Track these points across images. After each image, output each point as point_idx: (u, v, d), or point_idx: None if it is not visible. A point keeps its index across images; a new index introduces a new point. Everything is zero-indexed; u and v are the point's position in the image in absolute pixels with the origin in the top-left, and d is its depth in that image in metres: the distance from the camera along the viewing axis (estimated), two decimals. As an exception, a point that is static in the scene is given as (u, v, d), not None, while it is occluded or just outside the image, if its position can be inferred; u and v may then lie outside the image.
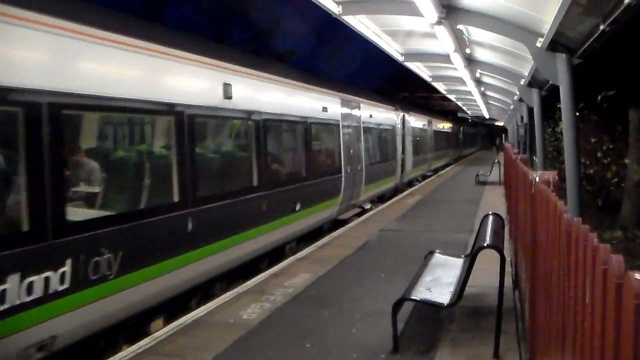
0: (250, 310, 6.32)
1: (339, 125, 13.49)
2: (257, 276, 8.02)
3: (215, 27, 46.79)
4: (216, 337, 5.53)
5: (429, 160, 28.82)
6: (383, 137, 18.77)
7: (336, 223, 13.30)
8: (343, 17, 8.29)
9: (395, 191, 20.27)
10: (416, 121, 25.22)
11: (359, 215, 14.71)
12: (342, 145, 13.55)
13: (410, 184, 23.39)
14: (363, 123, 15.70)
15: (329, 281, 7.56)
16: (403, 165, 21.28)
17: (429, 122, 29.55)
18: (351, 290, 6.99)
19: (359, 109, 15.44)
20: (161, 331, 5.80)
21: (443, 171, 31.06)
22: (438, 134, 33.08)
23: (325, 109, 12.42)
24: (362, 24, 9.44)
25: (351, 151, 14.20)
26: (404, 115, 21.85)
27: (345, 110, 14.06)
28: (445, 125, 37.48)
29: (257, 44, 48.02)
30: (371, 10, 8.62)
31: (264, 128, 9.13)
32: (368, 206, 16.42)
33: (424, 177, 27.07)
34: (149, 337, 5.61)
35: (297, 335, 5.53)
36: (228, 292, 7.21)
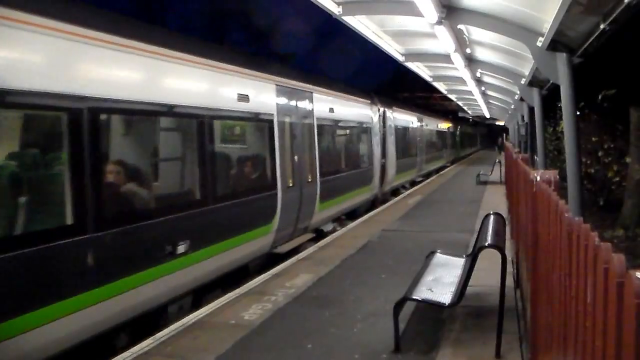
0: (251, 311, 6.32)
1: (271, 121, 9.48)
2: (258, 277, 8.02)
3: (216, 28, 46.85)
4: (217, 338, 5.53)
5: (419, 164, 25.14)
6: (352, 138, 15.15)
7: (272, 258, 9.66)
8: (343, 17, 8.29)
9: (374, 204, 16.80)
10: (402, 118, 21.64)
11: (314, 240, 11.46)
12: (277, 149, 9.56)
13: (395, 192, 20.24)
14: (318, 119, 11.84)
15: (331, 281, 7.56)
16: (384, 171, 17.73)
17: (419, 120, 26.19)
18: (352, 291, 6.99)
19: (311, 100, 11.57)
20: (162, 332, 5.80)
21: (437, 175, 28.50)
22: (430, 133, 29.69)
23: (244, 98, 8.51)
24: (362, 24, 9.44)
25: (295, 158, 10.40)
26: (384, 111, 18.27)
27: (285, 100, 10.17)
28: (439, 124, 34.09)
29: (257, 44, 48.08)
30: (371, 11, 8.62)
31: (93, 123, 5.42)
32: (329, 228, 12.78)
33: (413, 183, 24.05)
34: (150, 338, 5.62)
35: (299, 335, 5.53)
36: (229, 293, 7.21)
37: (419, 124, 25.76)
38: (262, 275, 8.06)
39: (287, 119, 10.23)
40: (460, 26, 8.74)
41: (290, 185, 10.07)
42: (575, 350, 2.14)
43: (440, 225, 11.99)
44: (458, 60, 11.37)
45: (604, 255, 1.64)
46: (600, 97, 14.41)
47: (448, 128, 38.16)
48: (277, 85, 9.76)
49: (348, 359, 4.95)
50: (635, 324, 1.31)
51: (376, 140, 17.09)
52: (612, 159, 14.60)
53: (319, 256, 9.19)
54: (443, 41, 9.50)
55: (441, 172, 30.02)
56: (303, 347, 5.24)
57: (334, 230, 12.54)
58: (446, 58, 11.49)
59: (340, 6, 8.06)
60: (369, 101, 16.74)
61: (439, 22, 7.76)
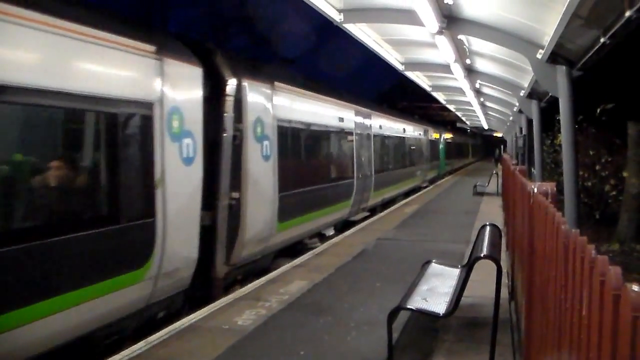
0: (245, 317, 6.29)
1: None
2: (252, 282, 7.99)
3: (219, 33, 47.00)
4: (210, 343, 5.49)
5: (360, 192, 15.26)
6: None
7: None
8: (344, 25, 8.32)
9: (191, 297, 7.61)
10: (306, 110, 11.58)
11: None
12: None
13: (292, 248, 10.95)
14: None
15: (325, 289, 7.53)
16: (236, 222, 8.37)
17: (363, 118, 16.24)
18: (347, 299, 6.96)
19: None
20: (155, 335, 5.76)
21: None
22: (390, 141, 20.20)
23: None
24: (363, 32, 9.47)
25: None
26: (245, 89, 8.58)
27: None
28: (408, 128, 24.08)
29: (259, 49, 48.20)
30: (372, 19, 8.65)
31: None
32: None
33: (346, 224, 14.48)
34: (142, 342, 5.58)
35: (292, 342, 5.50)
36: (223, 298, 7.18)
37: (360, 123, 15.85)
38: (257, 281, 8.03)
39: None
40: (460, 36, 8.78)
41: None
42: (570, 363, 2.13)
43: (436, 235, 11.97)
44: (458, 70, 11.41)
45: (600, 268, 1.63)
46: (598, 111, 14.48)
47: (426, 135, 28.57)
48: None
49: (341, 367, 4.93)
50: (631, 337, 1.30)
51: (185, 153, 6.99)
52: (609, 172, 14.65)
53: (314, 263, 9.16)
54: (443, 51, 9.53)
55: (438, 183, 29.81)
56: (296, 353, 5.21)
57: None
58: (446, 68, 11.53)
59: (342, 14, 8.08)
60: (153, 49, 6.50)
61: (440, 32, 7.80)
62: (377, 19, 8.60)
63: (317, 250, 10.41)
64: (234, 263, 8.49)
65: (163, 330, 5.93)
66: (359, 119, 15.73)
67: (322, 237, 12.57)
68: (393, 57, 11.83)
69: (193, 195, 7.20)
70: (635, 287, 1.35)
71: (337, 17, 8.06)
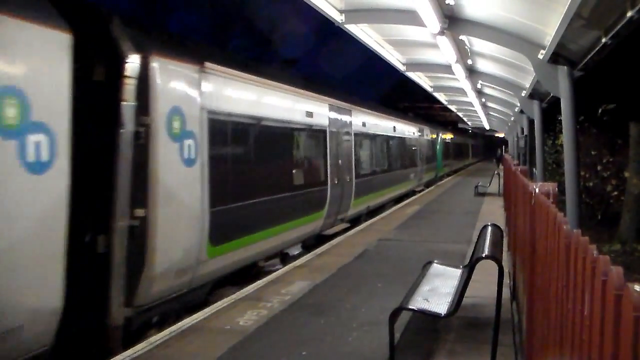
0: (246, 317, 6.29)
1: None
2: (254, 283, 7.99)
3: (219, 33, 47.02)
4: (212, 343, 5.50)
5: (342, 199, 13.46)
6: None
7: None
8: (345, 25, 8.32)
9: None
10: (271, 105, 9.71)
11: None
12: None
13: (246, 273, 8.96)
14: None
15: (326, 289, 7.53)
16: (144, 249, 6.23)
17: (344, 116, 14.05)
18: (348, 299, 6.96)
19: None
20: (157, 336, 5.77)
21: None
22: (375, 141, 17.53)
23: None
24: (364, 32, 9.48)
25: None
26: (152, 69, 6.29)
27: None
28: (398, 126, 21.25)
29: (261, 50, 48.23)
30: (374, 19, 8.66)
31: None
32: None
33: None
34: (144, 342, 5.59)
35: (293, 342, 5.50)
36: (225, 299, 7.18)
37: (335, 120, 13.35)
38: (258, 282, 8.02)
39: None
40: (462, 37, 8.79)
41: None
42: (571, 363, 2.13)
43: (438, 235, 11.97)
44: (459, 71, 11.41)
45: (602, 268, 1.63)
46: (600, 111, 14.48)
47: (422, 134, 26.65)
48: None
49: (342, 367, 4.92)
50: (633, 338, 1.30)
51: (31, 155, 4.71)
52: (611, 173, 14.65)
53: (315, 264, 9.17)
54: (445, 52, 9.54)
55: (440, 183, 29.75)
56: (297, 354, 5.21)
57: None
58: (447, 68, 11.54)
59: (343, 14, 8.09)
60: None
61: (441, 33, 7.80)
62: (379, 19, 8.61)
63: (318, 250, 10.41)
64: (140, 304, 6.25)
65: (165, 331, 5.94)
66: (335, 115, 13.22)
67: (285, 258, 10.52)
68: (394, 58, 11.84)
69: (47, 216, 4.92)
70: (637, 287, 1.35)
71: (338, 17, 8.07)
